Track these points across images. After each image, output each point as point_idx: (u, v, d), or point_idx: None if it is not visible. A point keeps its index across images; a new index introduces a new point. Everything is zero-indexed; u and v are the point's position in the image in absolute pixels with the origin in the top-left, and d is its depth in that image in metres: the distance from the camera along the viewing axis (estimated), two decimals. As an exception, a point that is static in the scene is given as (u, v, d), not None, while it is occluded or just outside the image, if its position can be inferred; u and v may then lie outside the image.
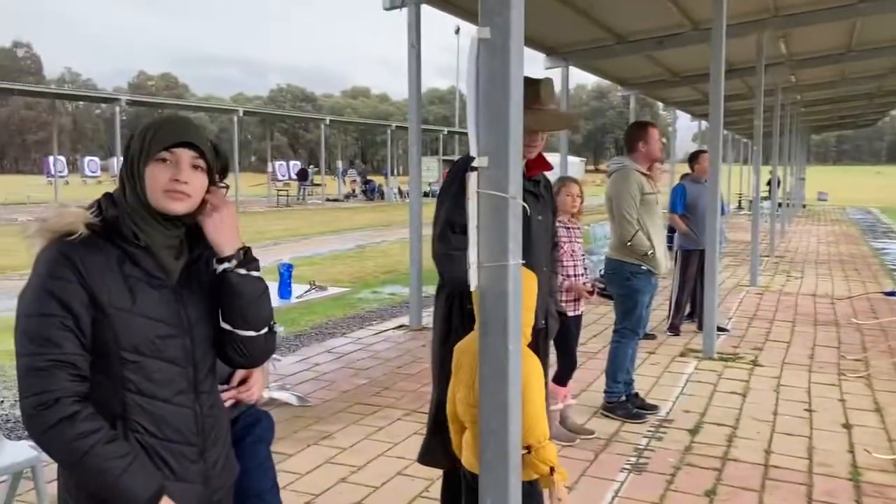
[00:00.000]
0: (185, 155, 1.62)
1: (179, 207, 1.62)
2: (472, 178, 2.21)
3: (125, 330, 1.56)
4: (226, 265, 1.66)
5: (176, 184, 1.60)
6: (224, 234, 1.67)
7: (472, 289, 2.21)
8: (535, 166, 3.05)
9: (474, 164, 2.19)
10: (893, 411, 5.26)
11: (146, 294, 1.60)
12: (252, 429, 2.56)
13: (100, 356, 1.57)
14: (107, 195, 1.67)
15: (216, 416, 1.75)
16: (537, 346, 3.17)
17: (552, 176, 3.39)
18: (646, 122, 5.32)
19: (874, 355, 6.84)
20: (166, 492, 1.59)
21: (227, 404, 1.99)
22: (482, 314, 2.23)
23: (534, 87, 2.84)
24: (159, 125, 1.64)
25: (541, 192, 3.13)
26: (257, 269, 1.71)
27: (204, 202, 1.68)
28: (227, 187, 1.77)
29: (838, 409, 5.30)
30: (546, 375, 3.29)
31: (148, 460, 1.60)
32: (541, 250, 3.07)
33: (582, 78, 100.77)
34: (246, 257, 1.69)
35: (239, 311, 1.68)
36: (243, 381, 2.22)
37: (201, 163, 1.65)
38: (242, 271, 1.67)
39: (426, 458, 3.07)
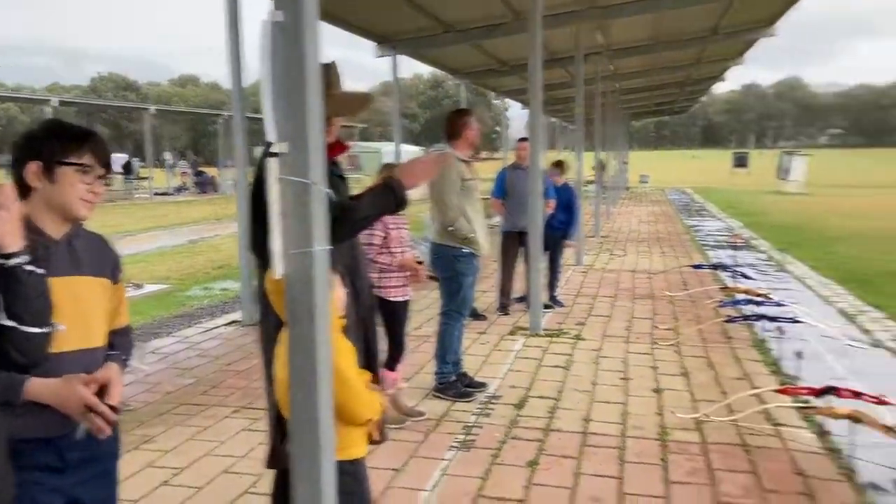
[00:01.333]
0: None
1: None
2: (273, 163, 2.16)
3: None
4: (16, 260, 1.68)
5: None
6: (8, 231, 1.68)
7: (277, 277, 2.17)
8: (335, 150, 3.02)
9: (273, 149, 2.14)
10: (698, 374, 5.72)
11: None
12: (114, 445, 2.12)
13: None
14: None
15: None
16: (366, 325, 3.14)
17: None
18: (466, 109, 5.45)
19: (683, 324, 7.41)
20: None
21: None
22: (289, 302, 2.20)
23: (325, 73, 2.79)
24: None
25: (342, 173, 3.12)
26: (42, 269, 1.76)
27: None
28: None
29: (650, 376, 5.70)
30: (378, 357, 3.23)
31: None
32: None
33: (419, 67, 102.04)
34: (32, 255, 1.73)
35: (26, 306, 1.70)
36: (103, 388, 1.88)
37: None
38: (30, 268, 1.71)
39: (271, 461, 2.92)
